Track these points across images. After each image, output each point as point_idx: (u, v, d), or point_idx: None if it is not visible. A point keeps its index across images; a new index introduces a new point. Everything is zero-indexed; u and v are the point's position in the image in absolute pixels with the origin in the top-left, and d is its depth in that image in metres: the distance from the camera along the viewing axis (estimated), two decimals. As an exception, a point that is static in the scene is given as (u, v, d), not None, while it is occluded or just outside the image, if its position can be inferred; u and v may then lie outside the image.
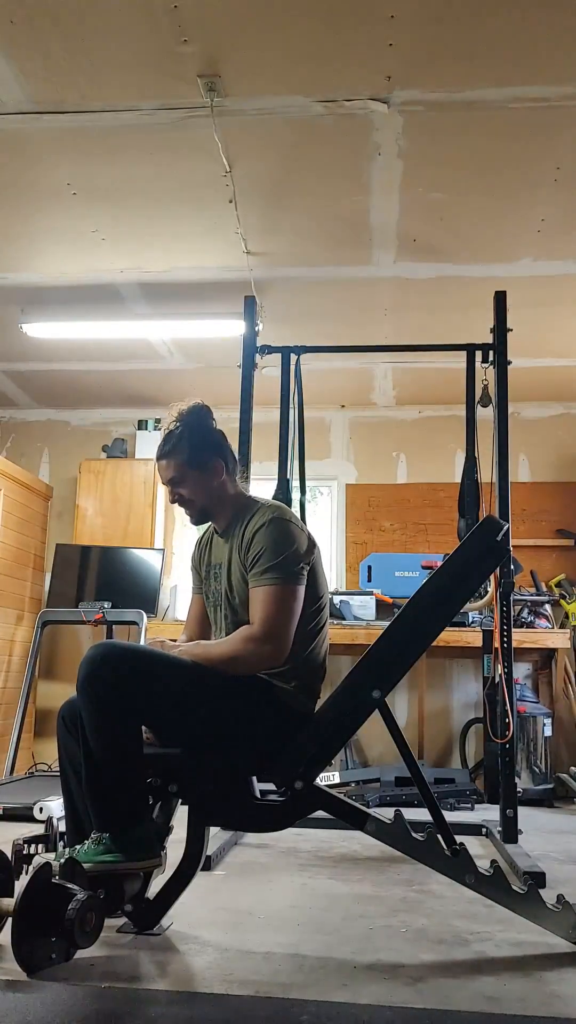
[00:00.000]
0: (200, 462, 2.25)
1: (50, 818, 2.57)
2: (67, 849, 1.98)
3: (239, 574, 2.20)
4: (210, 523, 2.37)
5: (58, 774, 2.19)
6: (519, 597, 4.82)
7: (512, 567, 3.23)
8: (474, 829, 3.41)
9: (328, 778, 4.33)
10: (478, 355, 3.52)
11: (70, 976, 1.72)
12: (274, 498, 3.14)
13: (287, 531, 2.17)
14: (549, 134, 2.88)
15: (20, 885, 1.75)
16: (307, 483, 3.63)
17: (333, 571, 5.42)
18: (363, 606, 4.86)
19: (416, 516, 5.42)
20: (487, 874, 1.97)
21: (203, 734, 2.07)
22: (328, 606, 2.31)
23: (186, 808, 2.09)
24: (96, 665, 1.97)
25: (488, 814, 3.80)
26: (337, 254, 3.71)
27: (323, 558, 2.32)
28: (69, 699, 2.13)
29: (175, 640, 2.26)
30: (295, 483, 3.61)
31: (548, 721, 4.50)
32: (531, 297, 3.98)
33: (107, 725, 1.96)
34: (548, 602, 4.92)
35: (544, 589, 5.01)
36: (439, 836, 1.97)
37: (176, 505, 2.31)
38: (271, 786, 2.15)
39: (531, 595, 4.91)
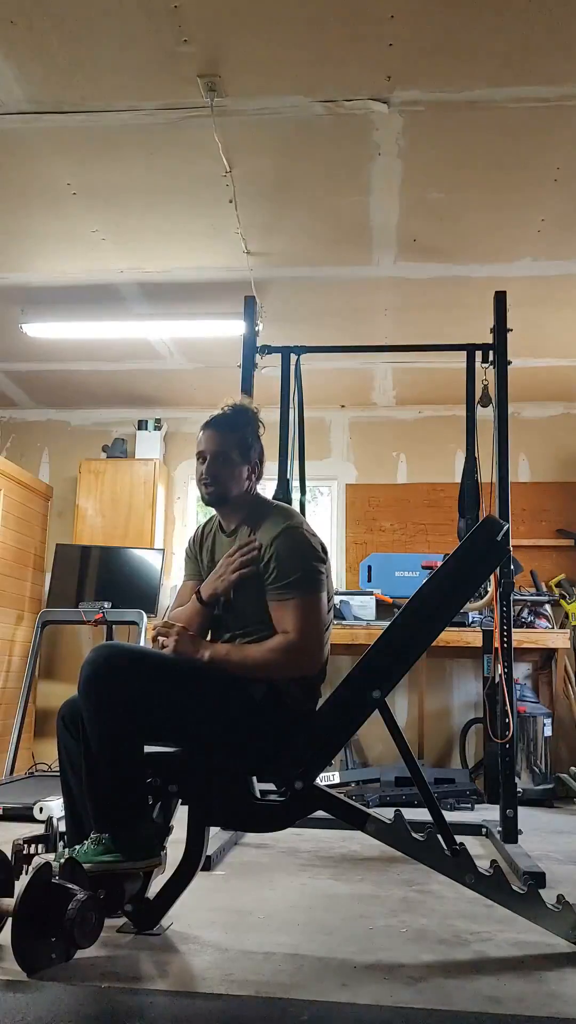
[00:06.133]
0: (246, 450, 2.29)
1: (50, 818, 2.58)
2: (67, 849, 1.98)
3: None
4: (214, 514, 2.38)
5: (58, 774, 2.19)
6: (519, 597, 4.82)
7: (512, 567, 3.23)
8: (474, 829, 3.41)
9: (328, 778, 4.32)
10: (478, 355, 3.52)
11: (70, 976, 1.72)
12: (274, 498, 3.14)
13: (305, 541, 2.19)
14: (549, 134, 2.88)
15: (20, 885, 1.75)
16: (307, 483, 3.63)
17: (333, 571, 5.41)
18: (363, 606, 4.86)
19: (416, 516, 5.42)
20: (487, 874, 1.96)
21: (204, 735, 2.07)
22: (333, 608, 2.31)
23: (186, 808, 2.09)
24: (98, 667, 1.98)
25: (488, 814, 3.80)
26: (337, 254, 3.71)
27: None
28: (69, 699, 2.13)
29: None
30: (295, 483, 3.60)
31: (548, 721, 4.49)
32: (531, 297, 3.97)
33: (108, 726, 1.97)
34: (548, 602, 4.92)
35: (544, 589, 5.01)
36: (439, 836, 1.97)
37: (200, 480, 2.29)
38: (271, 786, 2.15)
39: (531, 595, 4.91)
